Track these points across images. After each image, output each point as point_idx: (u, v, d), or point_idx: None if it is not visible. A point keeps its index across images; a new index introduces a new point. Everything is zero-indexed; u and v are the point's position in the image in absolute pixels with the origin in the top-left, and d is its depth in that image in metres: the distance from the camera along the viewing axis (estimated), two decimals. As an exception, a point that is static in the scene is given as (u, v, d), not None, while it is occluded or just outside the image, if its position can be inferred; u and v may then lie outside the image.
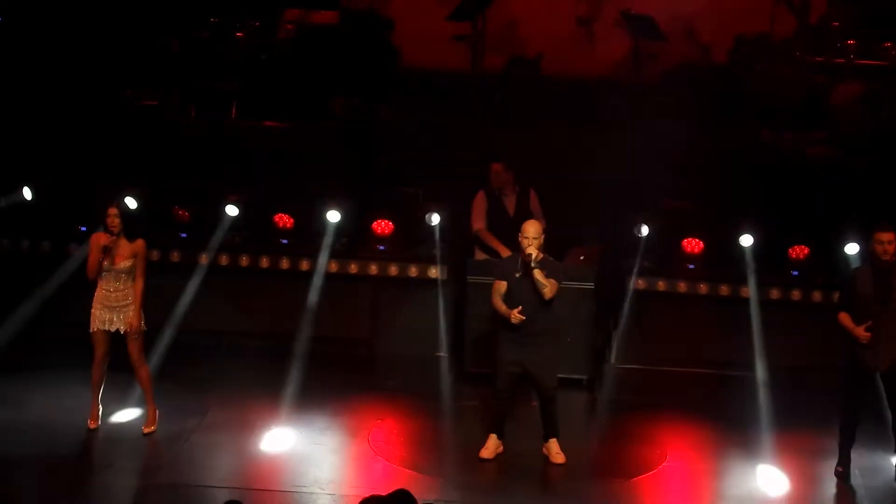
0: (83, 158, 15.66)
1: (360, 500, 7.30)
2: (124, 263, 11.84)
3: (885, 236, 11.52)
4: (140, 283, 11.92)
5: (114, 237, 11.83)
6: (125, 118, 16.61)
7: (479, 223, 14.44)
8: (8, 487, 10.86)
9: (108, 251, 11.81)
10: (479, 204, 14.47)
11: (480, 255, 14.41)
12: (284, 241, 15.51)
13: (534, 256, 11.61)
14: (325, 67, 17.59)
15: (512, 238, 12.55)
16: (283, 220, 15.50)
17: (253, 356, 14.98)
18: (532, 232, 11.70)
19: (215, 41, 17.46)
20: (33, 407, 12.78)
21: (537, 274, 11.61)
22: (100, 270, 11.88)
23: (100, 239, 11.86)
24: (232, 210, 15.00)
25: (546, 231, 14.08)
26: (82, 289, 12.39)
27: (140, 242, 11.92)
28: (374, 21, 18.73)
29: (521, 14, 19.18)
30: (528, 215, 13.90)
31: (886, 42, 17.08)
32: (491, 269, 12.70)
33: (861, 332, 11.51)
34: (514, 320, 11.62)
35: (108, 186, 13.93)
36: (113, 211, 11.84)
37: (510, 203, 14.37)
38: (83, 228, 15.25)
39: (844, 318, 11.70)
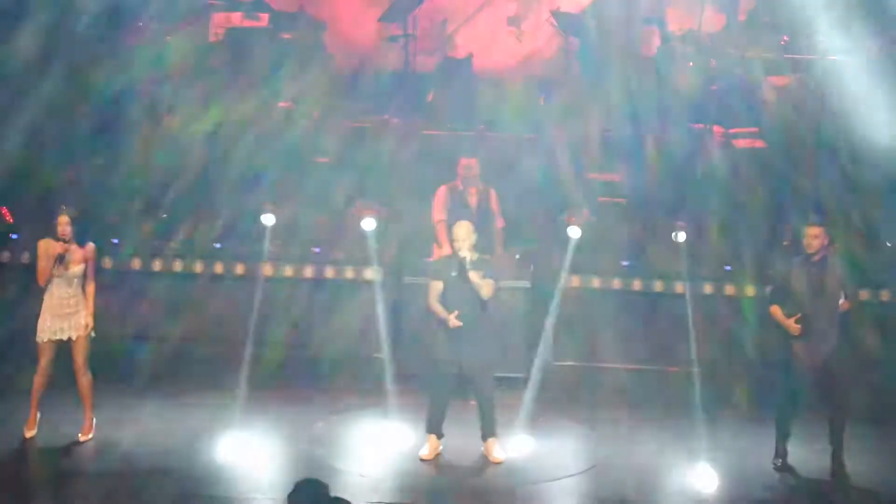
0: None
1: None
2: (76, 269, 11.81)
3: (811, 230, 11.64)
4: (91, 287, 11.91)
5: (66, 244, 11.78)
6: (53, 124, 16.45)
7: (440, 215, 14.32)
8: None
9: (62, 259, 11.75)
10: (441, 197, 14.39)
11: (438, 252, 14.34)
12: (218, 246, 15.47)
13: (468, 259, 11.62)
14: (258, 70, 17.53)
15: None
16: (216, 224, 15.46)
17: (188, 362, 14.93)
18: (462, 234, 11.71)
19: (144, 46, 17.30)
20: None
21: (473, 276, 11.63)
22: (51, 277, 11.82)
23: (50, 247, 11.78)
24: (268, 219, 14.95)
25: (504, 230, 14.21)
26: (24, 296, 12.32)
27: (91, 247, 11.92)
28: (306, 23, 18.67)
29: (451, 14, 19.18)
30: (489, 213, 13.97)
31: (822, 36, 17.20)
32: (426, 269, 12.70)
33: (792, 324, 11.62)
34: (451, 325, 11.65)
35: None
36: (64, 219, 11.78)
37: (472, 200, 14.35)
38: (14, 236, 15.19)
39: (776, 312, 11.80)
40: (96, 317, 12.08)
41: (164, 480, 11.30)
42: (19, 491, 11.00)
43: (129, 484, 11.22)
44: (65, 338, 11.90)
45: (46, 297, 11.92)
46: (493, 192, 14.47)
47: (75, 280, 11.86)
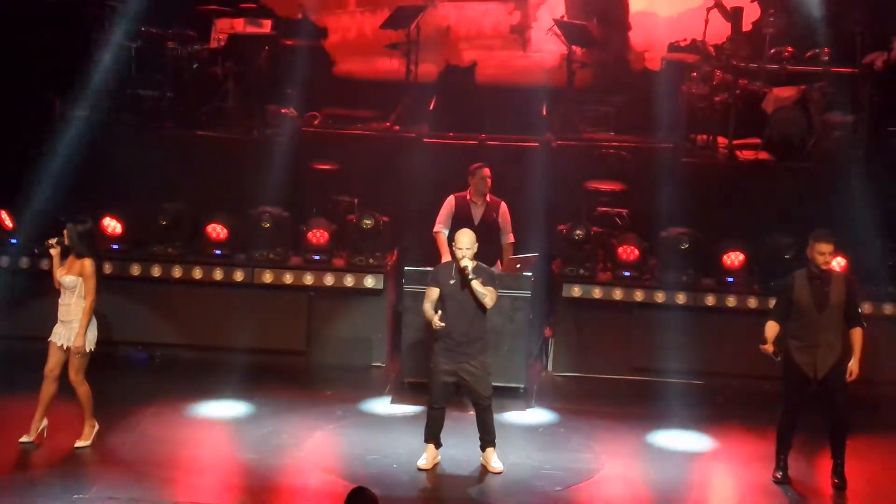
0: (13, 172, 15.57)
1: None
2: (67, 278, 11.82)
3: (825, 247, 11.52)
4: (87, 302, 11.85)
5: (56, 245, 11.89)
6: (53, 129, 16.40)
7: (438, 226, 14.35)
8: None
9: (51, 247, 11.93)
10: (446, 208, 14.37)
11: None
12: (218, 252, 15.42)
13: (470, 268, 11.55)
14: (259, 76, 17.50)
15: None
16: (216, 230, 15.41)
17: (187, 368, 14.89)
18: (466, 242, 11.64)
19: (146, 50, 17.28)
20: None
21: (475, 285, 11.56)
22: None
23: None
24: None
25: (514, 245, 14.15)
26: (30, 303, 12.28)
27: (86, 261, 11.86)
28: (308, 30, 18.63)
29: (454, 22, 19.14)
30: (493, 226, 13.96)
31: (825, 48, 17.16)
32: (425, 276, 12.63)
33: (770, 350, 11.55)
34: (434, 326, 11.58)
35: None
36: (66, 230, 11.88)
37: (477, 212, 14.30)
38: (13, 241, 15.15)
39: (769, 329, 11.70)
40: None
41: (161, 489, 11.23)
42: (11, 497, 10.92)
43: (122, 489, 11.15)
44: (59, 343, 11.90)
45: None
46: (503, 206, 14.39)
47: (68, 291, 11.86)
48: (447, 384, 11.83)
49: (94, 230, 12.09)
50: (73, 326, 11.83)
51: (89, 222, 12.04)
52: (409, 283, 14.19)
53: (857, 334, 11.70)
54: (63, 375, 11.96)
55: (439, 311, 11.62)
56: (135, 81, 17.18)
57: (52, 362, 11.96)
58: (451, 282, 11.71)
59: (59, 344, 11.89)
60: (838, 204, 14.94)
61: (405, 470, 11.92)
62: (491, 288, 11.67)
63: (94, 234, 12.11)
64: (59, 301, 11.94)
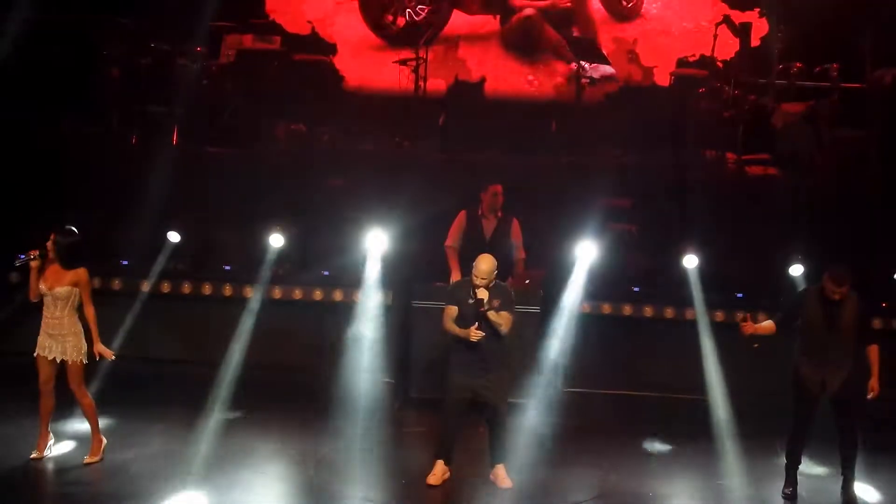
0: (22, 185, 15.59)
1: None
2: (60, 290, 11.72)
3: (837, 288, 11.47)
4: (89, 312, 11.79)
5: (39, 258, 11.75)
6: (64, 146, 16.45)
7: (450, 240, 14.39)
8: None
9: (32, 259, 11.73)
10: (458, 223, 14.42)
11: (456, 276, 14.22)
12: (227, 268, 15.44)
13: (485, 301, 11.51)
14: (268, 92, 17.54)
15: None
16: (225, 246, 15.44)
17: (196, 384, 14.86)
18: (484, 271, 11.56)
19: (156, 67, 17.33)
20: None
21: (491, 315, 11.53)
22: (40, 294, 11.78)
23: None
24: (173, 236, 15.00)
25: (524, 261, 14.14)
26: (24, 316, 12.25)
27: (81, 271, 11.78)
28: (317, 46, 18.69)
29: (463, 38, 19.18)
30: (504, 241, 13.94)
31: (834, 63, 17.19)
32: (441, 294, 12.59)
33: (752, 326, 11.60)
34: (473, 338, 11.52)
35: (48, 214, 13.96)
36: (52, 236, 11.75)
37: (489, 227, 14.32)
38: (21, 256, 15.14)
39: (766, 323, 11.75)
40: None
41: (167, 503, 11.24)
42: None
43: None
44: (50, 357, 11.81)
45: (43, 314, 11.91)
46: (515, 222, 14.40)
47: (60, 302, 11.78)
48: (463, 400, 11.80)
49: (80, 243, 12.01)
50: (67, 340, 11.76)
51: (76, 235, 11.99)
52: (420, 299, 14.19)
53: (872, 352, 11.69)
54: (58, 387, 11.92)
55: (475, 324, 11.58)
56: (144, 97, 17.21)
57: (45, 376, 11.89)
58: (470, 301, 11.65)
59: (49, 358, 11.81)
60: (847, 219, 14.94)
61: (415, 486, 11.90)
62: (506, 314, 11.63)
63: (81, 247, 12.02)
64: (46, 314, 11.80)
